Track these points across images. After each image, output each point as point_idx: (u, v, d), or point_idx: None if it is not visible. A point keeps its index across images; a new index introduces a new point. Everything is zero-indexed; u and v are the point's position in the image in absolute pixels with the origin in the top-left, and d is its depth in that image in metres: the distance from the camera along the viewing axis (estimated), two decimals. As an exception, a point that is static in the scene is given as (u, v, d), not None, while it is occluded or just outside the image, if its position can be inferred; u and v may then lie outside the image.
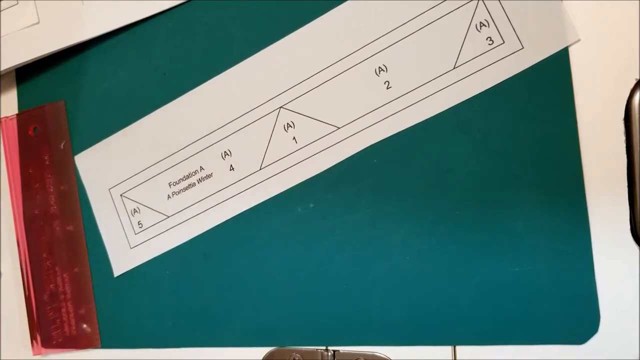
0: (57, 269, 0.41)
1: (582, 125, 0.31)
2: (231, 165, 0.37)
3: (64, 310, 0.40)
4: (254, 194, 0.36)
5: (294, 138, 0.35)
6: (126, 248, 0.39)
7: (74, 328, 0.40)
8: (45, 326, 0.41)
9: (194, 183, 0.38)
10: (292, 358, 0.35)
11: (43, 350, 0.41)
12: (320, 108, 0.35)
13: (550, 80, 0.31)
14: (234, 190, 0.37)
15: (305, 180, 0.35)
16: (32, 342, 0.41)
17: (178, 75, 0.38)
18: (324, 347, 0.35)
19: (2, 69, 0.40)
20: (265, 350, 0.36)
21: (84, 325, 0.40)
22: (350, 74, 0.34)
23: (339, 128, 0.35)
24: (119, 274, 0.40)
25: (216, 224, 0.37)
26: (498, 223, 0.32)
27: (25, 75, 0.42)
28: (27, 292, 0.41)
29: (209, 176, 0.37)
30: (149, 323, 0.39)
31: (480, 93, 0.32)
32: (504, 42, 0.32)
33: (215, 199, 0.37)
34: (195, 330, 0.37)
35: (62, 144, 0.41)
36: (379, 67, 0.34)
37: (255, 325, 0.36)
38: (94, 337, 0.40)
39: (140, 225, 0.39)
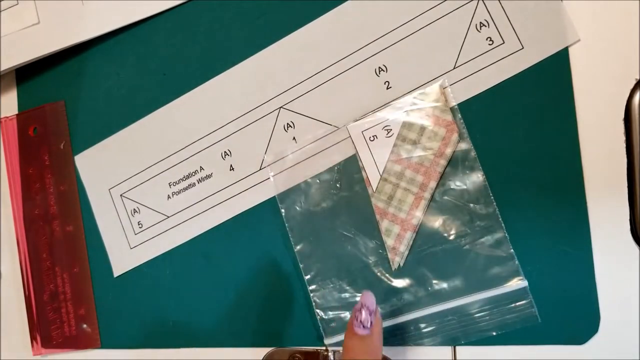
0: (57, 269, 0.41)
1: (582, 125, 0.31)
2: (231, 165, 0.37)
3: (63, 310, 0.40)
4: (254, 194, 0.36)
5: (294, 138, 0.35)
6: (126, 248, 0.39)
7: (73, 328, 0.40)
8: (45, 326, 0.41)
9: (194, 183, 0.38)
10: (292, 358, 0.35)
11: (43, 350, 0.41)
12: (320, 108, 0.35)
13: (550, 80, 0.31)
14: (234, 190, 0.37)
15: (305, 180, 0.35)
16: (32, 343, 0.41)
17: (178, 76, 0.38)
18: (324, 347, 0.35)
19: (2, 69, 0.40)
20: (265, 351, 0.36)
21: (84, 326, 0.40)
22: (351, 74, 0.34)
23: (339, 128, 0.35)
24: (118, 274, 0.39)
25: (216, 224, 0.37)
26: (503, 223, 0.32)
27: (25, 75, 0.42)
28: (27, 293, 0.41)
29: (209, 176, 0.37)
30: (149, 323, 0.39)
31: (480, 93, 0.32)
32: (504, 42, 0.32)
33: (215, 199, 0.37)
34: (195, 331, 0.37)
35: (62, 144, 0.41)
36: (379, 67, 0.34)
37: (255, 325, 0.36)
38: (94, 337, 0.40)
39: (140, 226, 0.39)
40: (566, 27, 0.31)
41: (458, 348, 0.33)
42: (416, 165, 0.32)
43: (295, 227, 0.35)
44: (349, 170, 0.34)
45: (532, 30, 0.32)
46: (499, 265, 0.31)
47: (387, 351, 0.34)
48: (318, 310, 0.34)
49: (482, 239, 0.32)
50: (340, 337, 0.34)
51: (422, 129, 0.32)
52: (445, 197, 0.32)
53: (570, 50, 0.31)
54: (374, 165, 0.33)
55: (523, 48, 0.32)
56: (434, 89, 0.32)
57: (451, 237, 0.32)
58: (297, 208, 0.35)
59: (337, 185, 0.34)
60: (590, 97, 0.31)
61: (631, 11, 0.30)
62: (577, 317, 0.31)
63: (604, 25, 0.31)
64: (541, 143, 0.31)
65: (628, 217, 0.30)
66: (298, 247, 0.35)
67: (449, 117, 0.32)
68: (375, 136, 0.33)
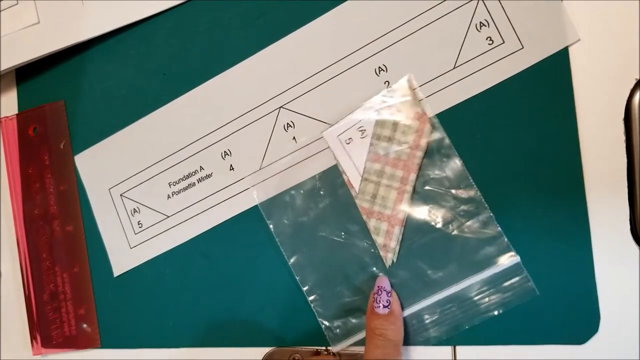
0: (57, 269, 0.41)
1: (582, 126, 0.31)
2: (231, 165, 0.37)
3: (63, 310, 0.40)
4: (254, 194, 0.36)
5: (294, 138, 0.35)
6: (126, 248, 0.39)
7: (73, 328, 0.40)
8: (45, 326, 0.41)
9: (194, 183, 0.38)
10: (292, 358, 0.35)
11: (43, 350, 0.41)
12: (320, 108, 0.35)
13: (550, 80, 0.31)
14: (234, 190, 0.37)
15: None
16: (32, 342, 0.41)
17: (178, 76, 0.38)
18: (324, 347, 0.35)
19: (2, 69, 0.40)
20: (265, 350, 0.36)
21: (84, 325, 0.40)
22: (351, 74, 0.34)
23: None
24: (118, 273, 0.39)
25: (216, 224, 0.37)
26: (498, 223, 0.32)
27: (25, 75, 0.42)
28: (27, 292, 0.41)
29: (208, 176, 0.37)
30: (149, 323, 0.39)
31: (480, 93, 0.32)
32: (504, 42, 0.32)
33: (215, 198, 0.37)
34: (195, 330, 0.37)
35: (62, 144, 0.41)
36: (379, 67, 0.34)
37: (255, 326, 0.36)
38: (94, 337, 0.40)
39: (140, 225, 0.39)
40: (566, 26, 0.31)
41: (458, 348, 0.33)
42: (394, 161, 0.33)
43: (286, 240, 0.35)
44: (330, 176, 0.34)
45: (532, 30, 0.32)
46: (489, 245, 0.32)
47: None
48: (321, 320, 0.34)
49: (469, 222, 0.32)
50: (348, 342, 0.34)
51: (395, 124, 0.33)
52: (427, 187, 0.33)
53: (570, 50, 0.31)
54: (354, 167, 0.33)
55: (523, 48, 0.32)
56: (401, 84, 0.33)
57: (438, 225, 0.32)
58: (285, 221, 0.35)
59: (320, 192, 0.34)
60: (590, 96, 0.31)
61: (631, 11, 0.30)
62: (577, 317, 0.31)
63: (604, 25, 0.31)
64: (541, 143, 0.31)
65: (628, 217, 0.30)
66: (292, 260, 0.35)
67: (419, 109, 0.32)
68: (350, 139, 0.33)
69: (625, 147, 0.30)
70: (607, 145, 0.31)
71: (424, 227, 0.33)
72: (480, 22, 0.32)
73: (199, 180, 0.37)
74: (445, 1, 0.33)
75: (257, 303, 0.36)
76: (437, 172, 0.32)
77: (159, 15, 0.38)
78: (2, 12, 0.40)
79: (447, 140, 0.32)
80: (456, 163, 0.32)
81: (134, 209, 0.39)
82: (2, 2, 0.40)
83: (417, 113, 0.32)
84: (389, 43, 0.34)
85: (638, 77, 0.30)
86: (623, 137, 0.30)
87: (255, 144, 0.36)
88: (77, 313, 0.40)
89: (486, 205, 0.32)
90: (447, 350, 0.33)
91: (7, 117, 0.42)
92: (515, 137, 0.32)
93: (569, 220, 0.31)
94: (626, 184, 0.30)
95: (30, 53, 0.40)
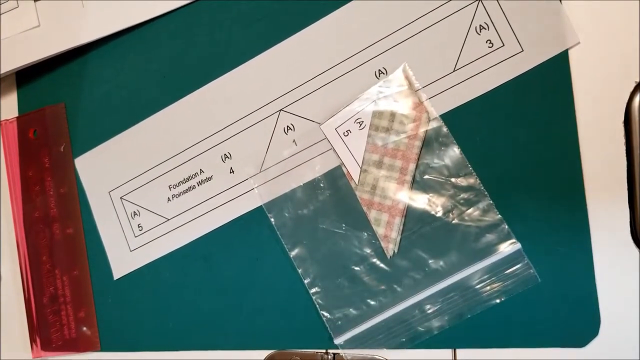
0: (56, 271, 0.41)
1: (582, 128, 0.31)
2: (231, 168, 0.37)
3: (63, 313, 0.40)
4: (255, 197, 0.36)
5: (294, 140, 0.35)
6: (126, 251, 0.39)
7: (73, 331, 0.40)
8: (44, 329, 0.41)
9: (194, 186, 0.38)
10: (292, 361, 0.35)
11: (43, 353, 0.41)
12: (320, 110, 0.35)
13: (550, 82, 0.31)
14: (234, 193, 0.37)
15: (305, 183, 0.35)
16: (31, 345, 0.41)
17: (178, 78, 0.38)
18: (323, 350, 0.35)
19: (2, 72, 0.40)
20: (265, 353, 0.36)
21: (84, 328, 0.40)
22: (350, 77, 0.34)
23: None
24: (118, 276, 0.39)
25: (216, 227, 0.37)
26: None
27: (26, 78, 0.42)
28: (26, 295, 0.41)
29: (209, 179, 0.37)
30: (149, 326, 0.39)
31: (480, 96, 0.32)
32: (503, 45, 0.32)
33: (215, 201, 0.37)
34: (195, 333, 0.37)
35: (62, 146, 0.41)
36: (379, 70, 0.34)
37: (255, 328, 0.36)
38: (94, 340, 0.40)
39: (140, 228, 0.39)
40: (566, 29, 0.31)
41: (458, 351, 0.33)
42: (393, 151, 0.33)
43: (287, 233, 0.35)
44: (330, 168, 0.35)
45: (531, 33, 0.32)
46: (490, 232, 0.32)
47: (388, 353, 0.34)
48: (323, 312, 0.34)
49: (469, 210, 0.32)
50: (349, 335, 0.34)
51: (393, 114, 0.33)
52: (426, 177, 0.33)
53: (570, 52, 0.31)
54: (352, 158, 0.34)
55: (523, 51, 0.32)
56: (397, 74, 0.33)
57: (439, 215, 0.32)
58: (286, 214, 0.35)
59: (321, 184, 0.34)
60: (590, 99, 0.31)
61: (631, 13, 0.31)
62: (577, 320, 0.31)
63: (604, 27, 0.31)
64: (541, 145, 0.31)
65: (628, 220, 0.30)
66: (293, 253, 0.35)
67: (415, 99, 0.33)
68: (348, 130, 0.34)
69: (625, 150, 0.30)
70: (607, 147, 0.31)
71: (425, 217, 0.33)
72: (480, 25, 0.32)
73: (199, 183, 0.37)
74: (445, 4, 0.33)
75: (258, 306, 0.36)
76: (436, 160, 0.33)
77: (159, 18, 0.38)
78: (2, 15, 0.40)
79: (444, 129, 0.32)
80: (454, 151, 0.32)
81: (134, 211, 0.39)
82: (2, 5, 0.40)
83: (414, 103, 0.33)
84: (389, 46, 0.34)
85: (638, 80, 0.30)
86: (623, 140, 0.30)
87: (255, 147, 0.36)
88: (77, 316, 0.40)
89: (486, 192, 0.32)
90: (447, 352, 0.33)
91: (7, 119, 0.42)
92: (515, 140, 0.32)
93: (569, 223, 0.31)
94: (626, 187, 0.30)
95: (31, 56, 0.40)
